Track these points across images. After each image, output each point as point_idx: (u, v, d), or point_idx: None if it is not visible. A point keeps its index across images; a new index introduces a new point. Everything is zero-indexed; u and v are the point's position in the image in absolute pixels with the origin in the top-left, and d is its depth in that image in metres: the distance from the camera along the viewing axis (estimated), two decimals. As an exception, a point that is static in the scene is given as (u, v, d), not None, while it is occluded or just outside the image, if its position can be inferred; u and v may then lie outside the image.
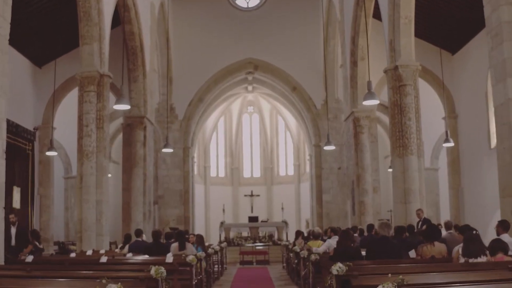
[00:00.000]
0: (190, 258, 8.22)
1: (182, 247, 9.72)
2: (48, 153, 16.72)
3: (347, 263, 5.58)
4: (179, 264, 7.67)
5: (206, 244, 17.99)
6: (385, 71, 14.16)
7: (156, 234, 10.05)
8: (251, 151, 35.47)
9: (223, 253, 17.81)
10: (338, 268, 5.45)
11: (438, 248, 7.31)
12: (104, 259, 8.09)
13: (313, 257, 8.69)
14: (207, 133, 33.55)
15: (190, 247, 9.94)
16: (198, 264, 9.59)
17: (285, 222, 26.26)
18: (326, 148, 18.48)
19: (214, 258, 14.44)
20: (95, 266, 7.07)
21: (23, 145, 18.47)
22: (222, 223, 26.48)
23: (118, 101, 10.61)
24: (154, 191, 24.13)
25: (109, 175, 22.54)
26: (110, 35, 15.32)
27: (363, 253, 7.67)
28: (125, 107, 10.87)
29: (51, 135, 17.34)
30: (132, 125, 18.73)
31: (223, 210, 30.45)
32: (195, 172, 29.14)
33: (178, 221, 24.67)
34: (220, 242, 22.90)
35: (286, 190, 33.02)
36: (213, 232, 29.64)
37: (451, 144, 16.50)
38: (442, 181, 21.85)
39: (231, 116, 34.74)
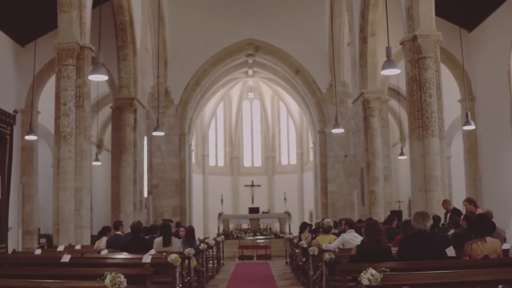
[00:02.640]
0: (173, 257, 6.60)
1: (167, 242, 8.15)
2: (28, 137, 15.16)
3: (382, 268, 3.99)
4: (157, 265, 6.10)
5: (202, 237, 16.55)
6: (402, 43, 12.54)
7: (135, 228, 8.41)
8: (252, 139, 34.14)
9: (220, 248, 16.30)
10: (370, 276, 3.87)
11: (492, 245, 5.61)
12: (66, 258, 6.52)
13: (327, 256, 7.02)
14: (206, 120, 32.24)
15: (176, 243, 8.37)
16: (186, 263, 8.01)
17: (288, 214, 25.05)
18: (334, 131, 16.76)
19: (209, 253, 12.90)
20: (47, 269, 5.47)
21: (2, 129, 16.94)
22: (220, 215, 25.16)
23: (93, 71, 9.02)
24: (148, 180, 22.82)
25: (100, 163, 21.51)
26: (100, 11, 13.72)
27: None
28: (101, 77, 9.28)
29: (31, 118, 15.77)
30: (121, 107, 17.26)
31: (221, 200, 29.14)
32: (193, 161, 27.77)
33: (174, 212, 23.42)
34: (218, 235, 21.50)
35: (289, 180, 31.72)
36: (212, 224, 28.61)
37: (472, 126, 14.85)
38: (454, 170, 20.42)
39: (231, 103, 33.36)
